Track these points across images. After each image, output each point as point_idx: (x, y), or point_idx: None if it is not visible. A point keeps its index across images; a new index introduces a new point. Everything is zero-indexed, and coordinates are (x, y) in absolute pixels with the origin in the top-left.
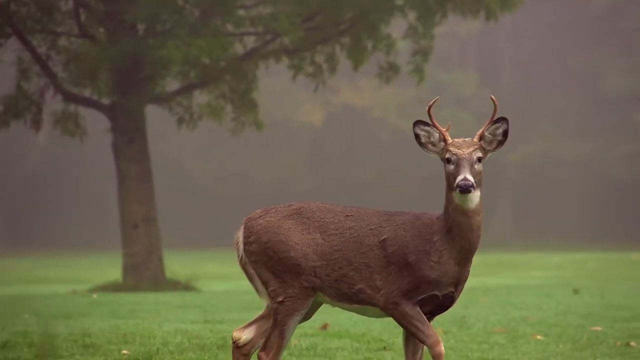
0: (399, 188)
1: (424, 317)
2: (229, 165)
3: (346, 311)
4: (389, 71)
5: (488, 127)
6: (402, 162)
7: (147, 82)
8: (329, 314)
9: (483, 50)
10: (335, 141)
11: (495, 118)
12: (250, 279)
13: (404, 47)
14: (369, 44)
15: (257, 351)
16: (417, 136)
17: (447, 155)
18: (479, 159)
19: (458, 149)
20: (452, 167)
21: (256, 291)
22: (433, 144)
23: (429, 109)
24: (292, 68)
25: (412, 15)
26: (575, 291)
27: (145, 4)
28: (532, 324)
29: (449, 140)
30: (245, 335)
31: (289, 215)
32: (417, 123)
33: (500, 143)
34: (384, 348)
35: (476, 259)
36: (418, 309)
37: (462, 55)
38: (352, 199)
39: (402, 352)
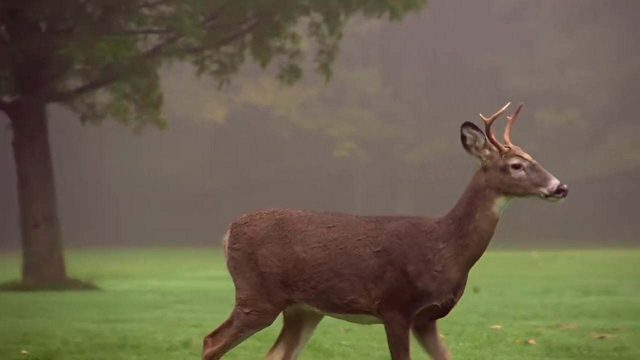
0: (301, 186)
1: (409, 342)
2: (132, 163)
3: None
4: (291, 73)
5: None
6: (304, 160)
7: (50, 80)
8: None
9: (385, 49)
10: (238, 139)
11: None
12: None
13: (309, 46)
14: (273, 43)
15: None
16: (463, 137)
17: (516, 161)
18: None
19: (524, 155)
20: (522, 173)
21: None
22: (477, 149)
23: (490, 122)
24: (197, 65)
25: (316, 15)
26: (475, 290)
27: (47, 2)
28: None
29: (504, 148)
30: (277, 356)
31: (272, 226)
32: (466, 125)
33: None
34: None
35: None
36: (409, 331)
37: (364, 55)
38: (253, 197)
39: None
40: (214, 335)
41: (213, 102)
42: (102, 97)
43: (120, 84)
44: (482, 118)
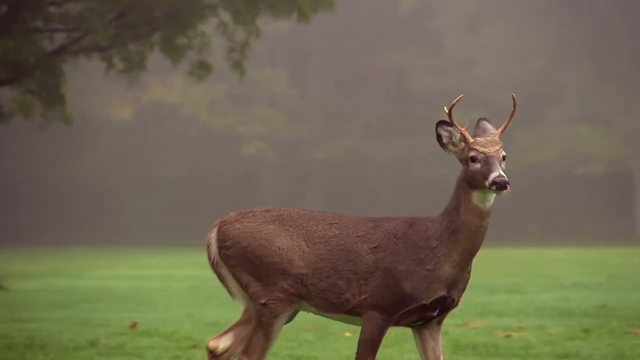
0: (209, 184)
1: (379, 345)
2: (37, 162)
3: (156, 310)
4: (201, 69)
5: (507, 126)
6: (213, 158)
7: None
8: (138, 313)
9: (293, 49)
10: (146, 137)
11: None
12: (222, 280)
13: (219, 44)
14: (183, 42)
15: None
16: (439, 136)
17: (472, 154)
18: (504, 158)
19: (484, 147)
20: (477, 165)
21: (229, 293)
22: (454, 144)
23: (450, 109)
24: (104, 62)
25: (225, 14)
26: None
27: None
28: None
29: (470, 139)
30: (223, 343)
31: (270, 221)
32: (440, 124)
33: None
34: (194, 346)
35: None
36: (384, 334)
37: (272, 55)
38: (162, 195)
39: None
40: (246, 350)
41: (121, 101)
42: (8, 95)
43: (25, 81)
44: (445, 110)
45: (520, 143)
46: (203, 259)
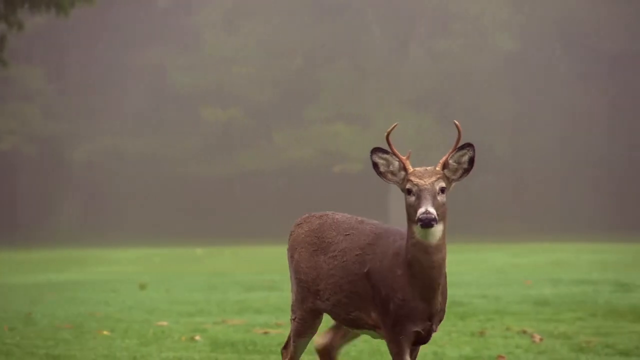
0: None
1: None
2: None
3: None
4: None
5: (452, 155)
6: None
7: None
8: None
9: (50, 45)
10: None
11: (460, 144)
12: None
13: None
14: None
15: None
16: (375, 165)
17: (408, 186)
18: (442, 190)
19: (419, 178)
20: (412, 198)
21: None
22: (393, 173)
23: (387, 136)
24: None
25: None
26: (142, 286)
27: None
28: (99, 319)
29: (410, 169)
30: (322, 339)
31: (311, 231)
32: (375, 151)
33: (466, 171)
34: None
35: (41, 255)
36: (405, 346)
37: (29, 49)
38: None
39: None
40: (286, 346)
41: None
42: None
43: None
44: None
45: (279, 141)
46: None
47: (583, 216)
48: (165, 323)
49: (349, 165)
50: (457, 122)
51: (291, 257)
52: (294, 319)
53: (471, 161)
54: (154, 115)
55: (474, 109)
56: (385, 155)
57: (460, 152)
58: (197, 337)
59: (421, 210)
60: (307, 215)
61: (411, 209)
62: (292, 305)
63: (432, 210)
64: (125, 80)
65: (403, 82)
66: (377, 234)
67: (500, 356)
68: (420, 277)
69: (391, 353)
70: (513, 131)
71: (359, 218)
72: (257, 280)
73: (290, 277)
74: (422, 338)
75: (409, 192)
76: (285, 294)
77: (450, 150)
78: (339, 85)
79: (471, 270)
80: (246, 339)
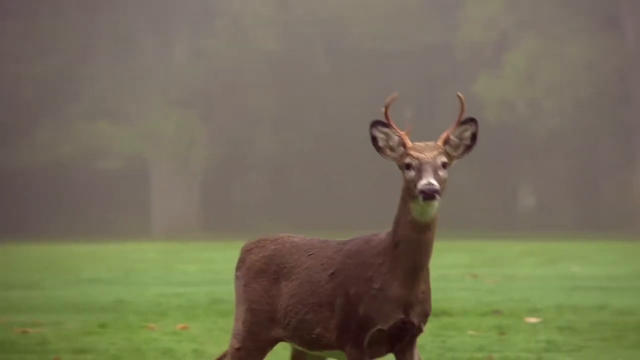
0: None
1: None
2: None
3: None
4: None
5: (454, 130)
6: None
7: None
8: None
9: None
10: None
11: (463, 119)
12: None
13: None
14: None
15: None
16: (374, 139)
17: (408, 160)
18: (444, 165)
19: (420, 152)
20: (412, 173)
21: None
22: (391, 149)
23: (386, 109)
24: None
25: None
26: None
27: None
28: None
29: (409, 144)
30: None
31: (266, 257)
32: (375, 124)
33: (468, 148)
34: None
35: None
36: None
37: None
38: None
39: None
40: None
41: None
42: None
43: None
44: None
45: (41, 138)
46: None
47: (349, 211)
48: None
49: (111, 162)
50: (460, 95)
51: (244, 285)
52: (237, 349)
53: (474, 137)
54: None
55: (237, 107)
56: (385, 129)
57: (463, 128)
58: None
59: (423, 182)
60: (257, 239)
61: (411, 184)
62: (235, 334)
63: (434, 181)
64: None
65: (167, 80)
66: (344, 242)
67: None
68: (404, 259)
69: (349, 357)
70: (276, 129)
71: (321, 239)
72: (17, 278)
73: (237, 304)
74: (393, 337)
75: (408, 166)
76: (46, 293)
77: (453, 126)
78: (101, 82)
79: (232, 267)
80: (5, 338)
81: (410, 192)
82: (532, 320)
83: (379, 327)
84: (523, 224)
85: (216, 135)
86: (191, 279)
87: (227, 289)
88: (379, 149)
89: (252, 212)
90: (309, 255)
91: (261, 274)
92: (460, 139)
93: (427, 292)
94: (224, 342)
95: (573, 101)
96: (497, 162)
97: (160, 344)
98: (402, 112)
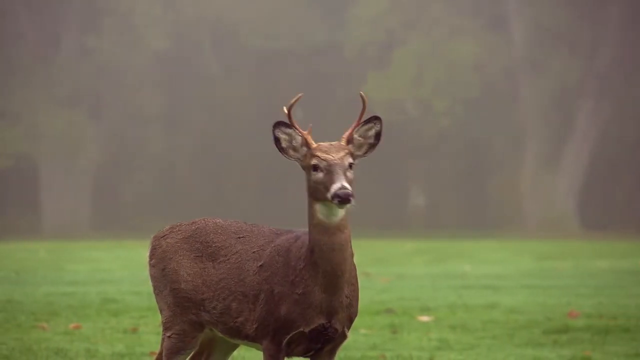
0: None
1: None
2: None
3: None
4: None
5: (358, 129)
6: None
7: None
8: None
9: None
10: None
11: (364, 118)
12: None
13: None
14: None
15: None
16: (277, 140)
17: (314, 162)
18: (351, 165)
19: (327, 154)
20: (320, 175)
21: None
22: (295, 149)
23: (289, 110)
24: None
25: None
26: None
27: None
28: None
29: (313, 144)
30: None
31: (186, 238)
32: (278, 125)
33: (372, 146)
34: None
35: None
36: (280, 356)
37: None
38: None
39: None
40: None
41: None
42: None
43: None
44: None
45: None
46: None
47: (238, 212)
48: None
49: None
50: (362, 94)
51: (163, 269)
52: (169, 336)
53: (378, 135)
54: None
55: (126, 105)
56: (288, 130)
57: (366, 126)
58: None
59: (336, 185)
60: (169, 227)
61: (320, 186)
62: (164, 322)
63: (347, 185)
64: None
65: (54, 78)
66: (278, 233)
67: (152, 352)
68: (321, 264)
69: (265, 354)
70: (165, 128)
71: (248, 222)
72: None
73: (158, 293)
74: (314, 341)
75: (315, 168)
76: None
77: (354, 124)
78: None
79: (123, 267)
80: None
81: (318, 193)
82: (425, 318)
83: (300, 329)
84: (414, 223)
85: (105, 134)
86: (82, 279)
87: (118, 289)
88: (281, 149)
89: (142, 211)
90: (239, 237)
91: (182, 252)
92: (364, 137)
93: (353, 295)
94: (117, 341)
95: (462, 101)
96: (387, 161)
97: (52, 344)
98: (293, 111)
